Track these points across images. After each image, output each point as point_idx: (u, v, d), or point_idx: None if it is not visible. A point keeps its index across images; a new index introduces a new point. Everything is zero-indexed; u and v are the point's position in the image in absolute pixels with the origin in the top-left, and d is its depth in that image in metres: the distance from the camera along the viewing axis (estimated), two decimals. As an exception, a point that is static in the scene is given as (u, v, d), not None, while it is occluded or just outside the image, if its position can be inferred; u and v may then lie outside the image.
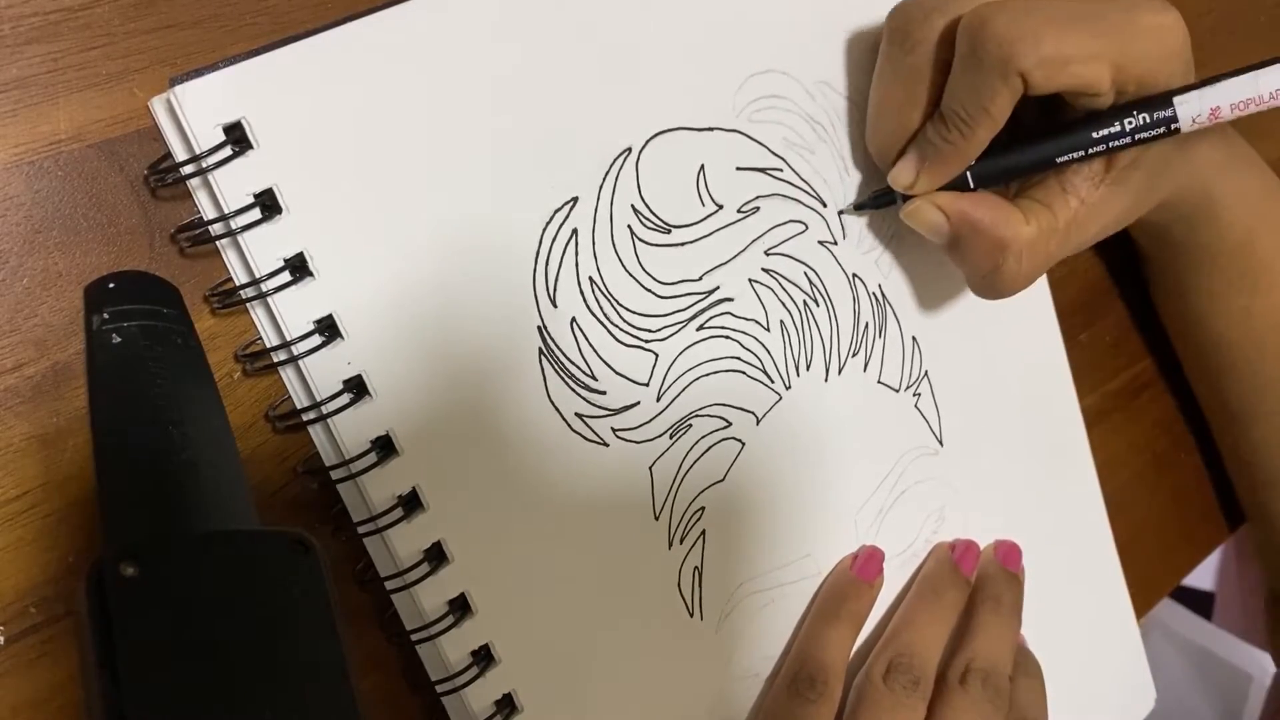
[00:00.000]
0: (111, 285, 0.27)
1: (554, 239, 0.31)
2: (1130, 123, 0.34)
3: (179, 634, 0.22)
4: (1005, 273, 0.35)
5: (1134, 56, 0.33)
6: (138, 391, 0.26)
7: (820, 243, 0.37)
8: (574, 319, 0.32)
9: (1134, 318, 0.51)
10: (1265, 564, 0.54)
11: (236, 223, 0.27)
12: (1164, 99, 0.33)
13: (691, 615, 0.35)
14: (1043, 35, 0.32)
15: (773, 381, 0.36)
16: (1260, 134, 0.44)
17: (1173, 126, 0.33)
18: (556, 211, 0.32)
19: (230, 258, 0.28)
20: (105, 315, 0.26)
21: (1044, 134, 0.35)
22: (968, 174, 0.35)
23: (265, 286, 0.28)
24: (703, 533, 0.35)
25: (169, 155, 0.27)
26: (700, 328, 0.35)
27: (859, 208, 0.38)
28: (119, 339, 0.26)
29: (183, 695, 0.21)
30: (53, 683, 0.27)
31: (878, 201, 0.38)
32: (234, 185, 0.27)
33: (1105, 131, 0.34)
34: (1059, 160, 0.35)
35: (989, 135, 0.34)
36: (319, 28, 0.28)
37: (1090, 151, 0.34)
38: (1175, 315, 0.49)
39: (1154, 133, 0.34)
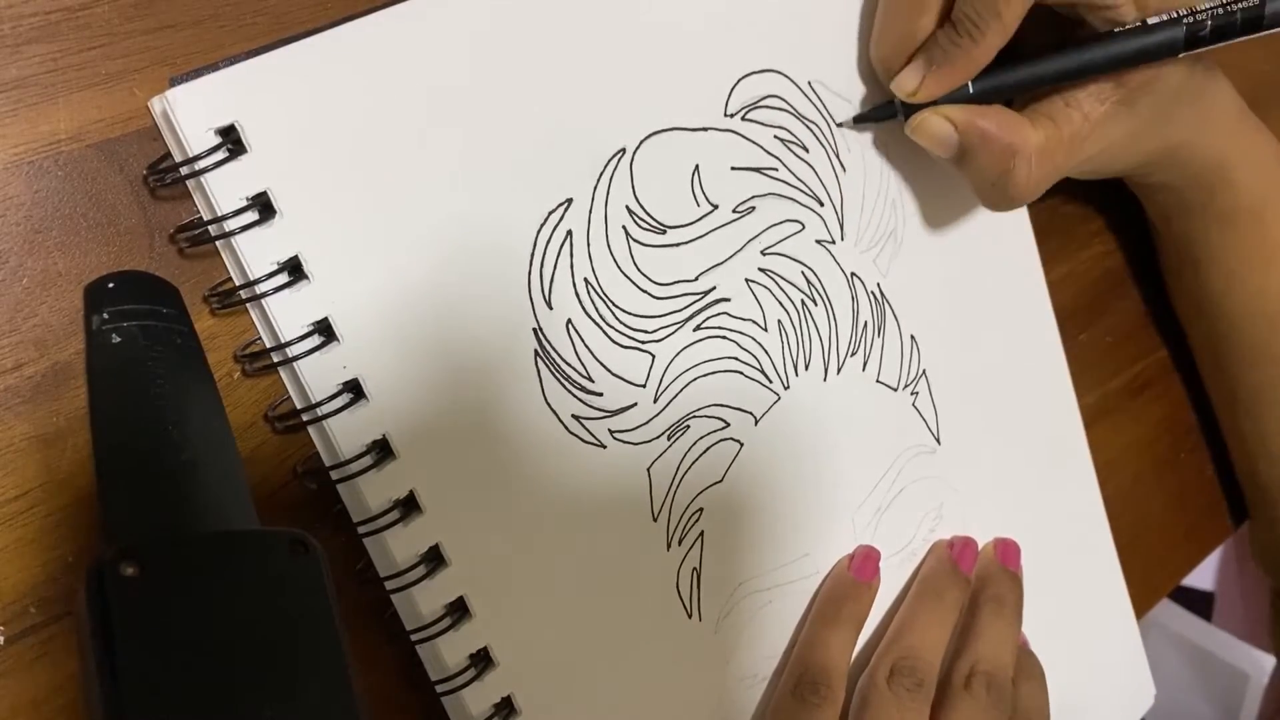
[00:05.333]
0: (111, 285, 0.27)
1: (549, 240, 0.32)
2: (1138, 43, 0.35)
3: (179, 634, 0.22)
4: (1016, 178, 0.36)
5: None
6: (138, 391, 0.26)
7: (818, 242, 0.37)
8: (569, 320, 0.32)
9: (1133, 318, 0.51)
10: (1265, 562, 0.54)
11: (231, 225, 0.27)
12: (1174, 21, 0.34)
13: (690, 616, 0.35)
14: None
15: (771, 381, 0.36)
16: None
17: (1185, 37, 0.34)
18: (551, 213, 0.32)
19: (229, 259, 0.28)
20: (105, 315, 0.26)
21: (1049, 51, 0.35)
22: (969, 87, 0.36)
23: (260, 289, 0.28)
24: (701, 534, 0.35)
25: (168, 155, 0.28)
26: (697, 328, 0.35)
27: (859, 120, 0.38)
28: (119, 339, 0.26)
29: (183, 695, 0.21)
30: (53, 683, 0.27)
31: (880, 114, 0.37)
32: (227, 189, 0.27)
33: (1113, 50, 0.35)
34: (1064, 76, 0.35)
35: (999, 41, 0.34)
36: (318, 28, 0.28)
37: (1096, 67, 0.35)
38: (1189, 298, 0.49)
39: (1161, 38, 0.34)
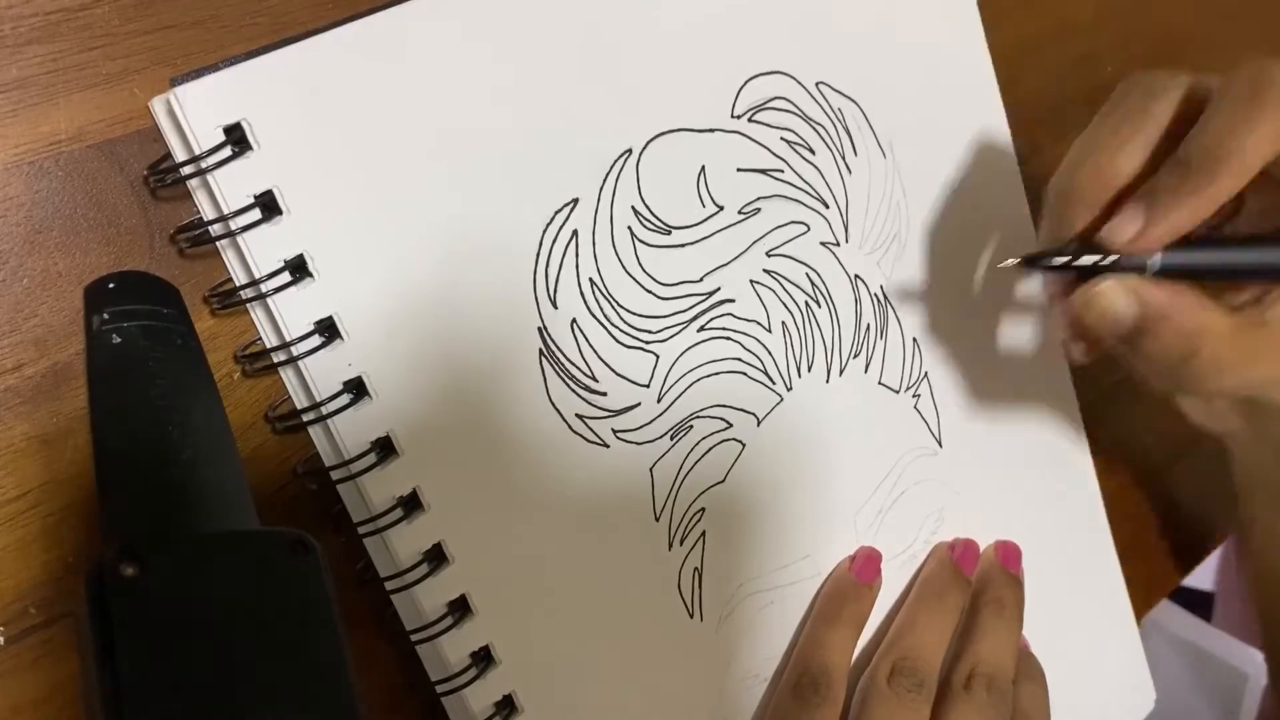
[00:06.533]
0: (111, 285, 0.27)
1: (554, 240, 0.31)
2: None
3: (179, 634, 0.22)
4: (1203, 359, 0.31)
5: None
6: (138, 391, 0.26)
7: (822, 244, 0.37)
8: (574, 320, 0.32)
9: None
10: None
11: (236, 224, 0.27)
12: None
13: (691, 616, 0.35)
14: None
15: (774, 383, 0.36)
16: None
17: None
18: (557, 213, 0.32)
19: (230, 258, 0.28)
20: (105, 315, 0.26)
21: (1258, 239, 0.32)
22: (1158, 260, 0.31)
23: (265, 288, 0.28)
24: (703, 534, 0.35)
25: (169, 156, 0.27)
26: (701, 329, 0.35)
27: (1029, 263, 0.32)
28: (119, 339, 0.26)
29: (183, 695, 0.21)
30: (53, 683, 0.27)
31: (1048, 263, 0.32)
32: (234, 186, 0.27)
33: None
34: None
35: (1236, 183, 0.30)
36: (319, 28, 0.28)
37: None
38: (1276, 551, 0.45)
39: None
